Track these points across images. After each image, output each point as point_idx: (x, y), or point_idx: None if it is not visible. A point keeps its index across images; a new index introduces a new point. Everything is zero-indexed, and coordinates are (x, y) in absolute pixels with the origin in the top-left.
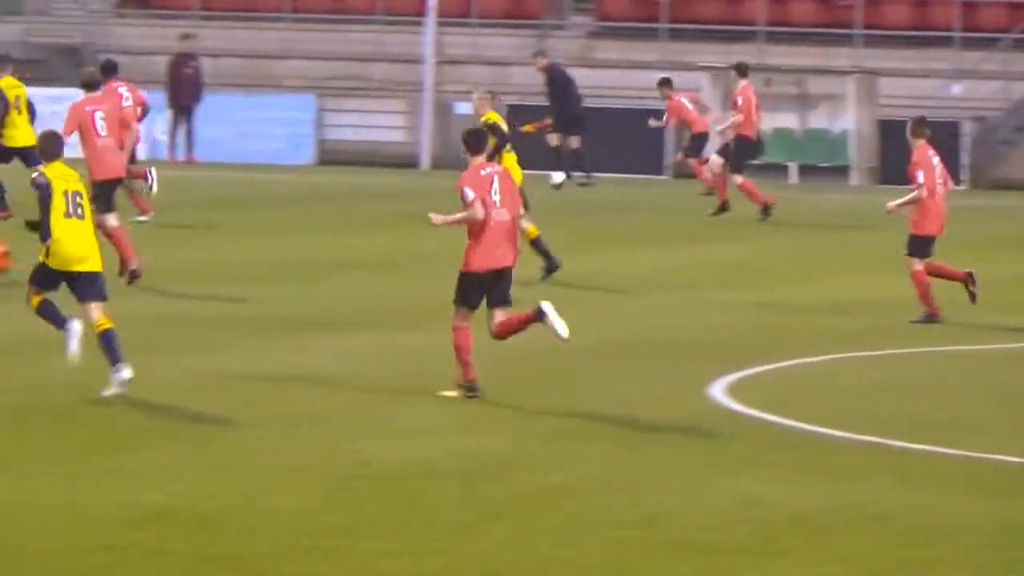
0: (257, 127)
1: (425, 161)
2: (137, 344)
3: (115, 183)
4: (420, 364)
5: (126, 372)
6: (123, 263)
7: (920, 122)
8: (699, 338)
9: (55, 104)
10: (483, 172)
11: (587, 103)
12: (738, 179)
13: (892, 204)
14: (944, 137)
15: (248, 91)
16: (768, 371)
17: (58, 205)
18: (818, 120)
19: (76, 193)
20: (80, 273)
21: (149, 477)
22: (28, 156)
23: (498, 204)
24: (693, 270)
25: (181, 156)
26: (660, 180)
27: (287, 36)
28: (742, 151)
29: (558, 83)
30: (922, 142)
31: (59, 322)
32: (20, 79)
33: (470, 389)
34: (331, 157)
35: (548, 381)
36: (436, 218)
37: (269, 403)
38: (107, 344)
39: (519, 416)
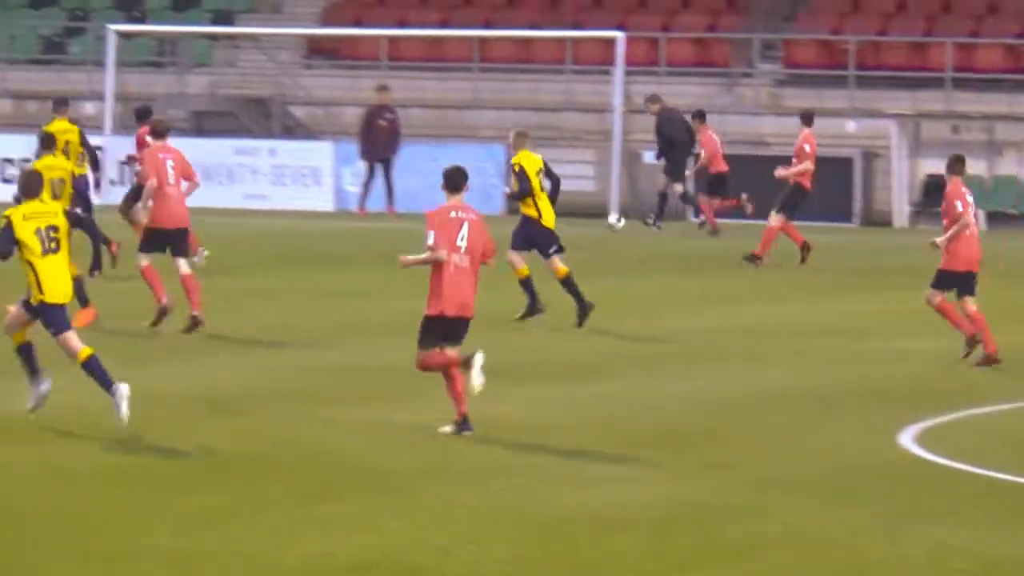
0: None
1: (615, 210)
2: (327, 396)
3: (183, 232)
4: (608, 412)
5: (124, 388)
6: (190, 308)
7: (957, 159)
8: (883, 387)
9: (242, 156)
10: (452, 215)
11: (775, 151)
12: (777, 220)
13: (939, 240)
14: None
15: (438, 141)
16: (956, 419)
17: (32, 245)
18: (1007, 167)
19: (51, 227)
20: (62, 306)
21: (343, 528)
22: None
23: (463, 250)
24: (871, 317)
25: (370, 206)
26: (848, 228)
27: (476, 86)
28: (798, 198)
29: (661, 130)
30: (957, 179)
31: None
32: (73, 121)
33: (461, 426)
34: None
35: (735, 432)
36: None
37: (465, 454)
38: (95, 369)
39: (712, 467)
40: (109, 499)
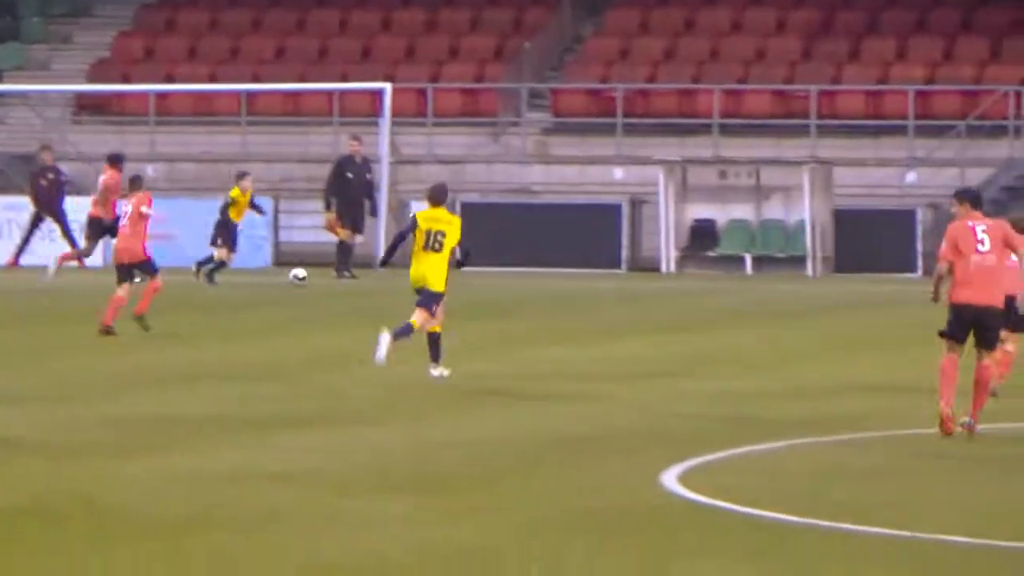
0: None
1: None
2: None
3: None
4: (377, 458)
5: None
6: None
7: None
8: (653, 428)
9: (9, 212)
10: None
11: (543, 199)
12: None
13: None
14: (899, 226)
15: (206, 195)
16: (722, 458)
17: None
18: (774, 211)
19: None
20: None
21: None
22: None
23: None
24: (649, 362)
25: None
26: (616, 274)
27: (244, 140)
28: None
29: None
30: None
31: None
32: None
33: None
34: (289, 259)
35: (505, 474)
36: None
37: (234, 501)
38: None
39: (480, 510)
40: None
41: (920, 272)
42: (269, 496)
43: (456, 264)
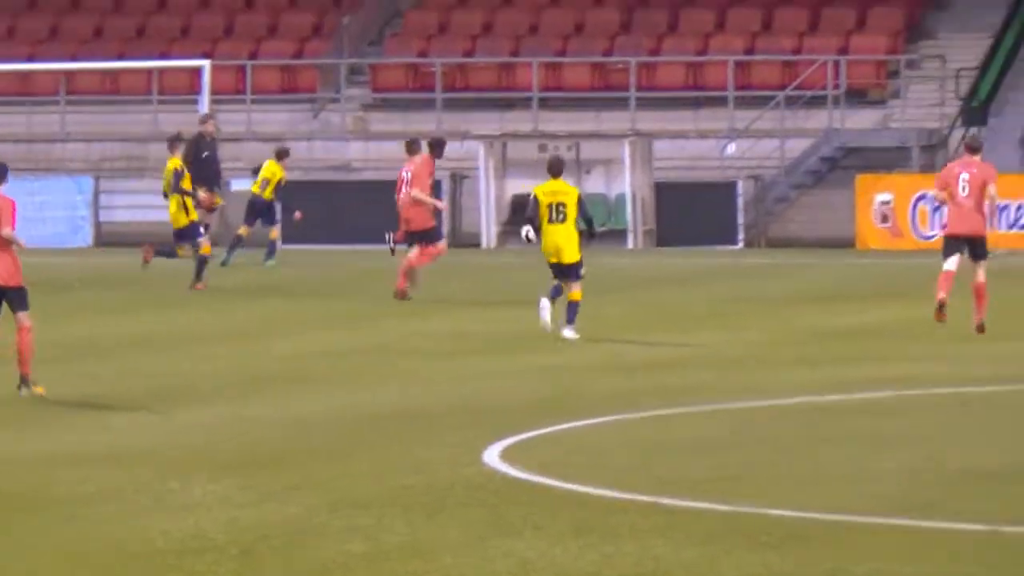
0: (37, 211)
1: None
2: None
3: None
4: (199, 438)
5: None
6: None
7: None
8: (476, 404)
9: None
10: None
11: (363, 176)
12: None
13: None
14: (720, 197)
15: (28, 175)
16: (544, 435)
17: None
18: (595, 184)
19: None
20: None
21: None
22: None
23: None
24: (470, 338)
25: None
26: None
27: (63, 119)
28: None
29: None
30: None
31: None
32: None
33: None
34: (109, 239)
35: (328, 452)
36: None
37: (60, 482)
38: None
39: (301, 488)
40: None
41: (741, 244)
42: (96, 477)
43: (588, 235)
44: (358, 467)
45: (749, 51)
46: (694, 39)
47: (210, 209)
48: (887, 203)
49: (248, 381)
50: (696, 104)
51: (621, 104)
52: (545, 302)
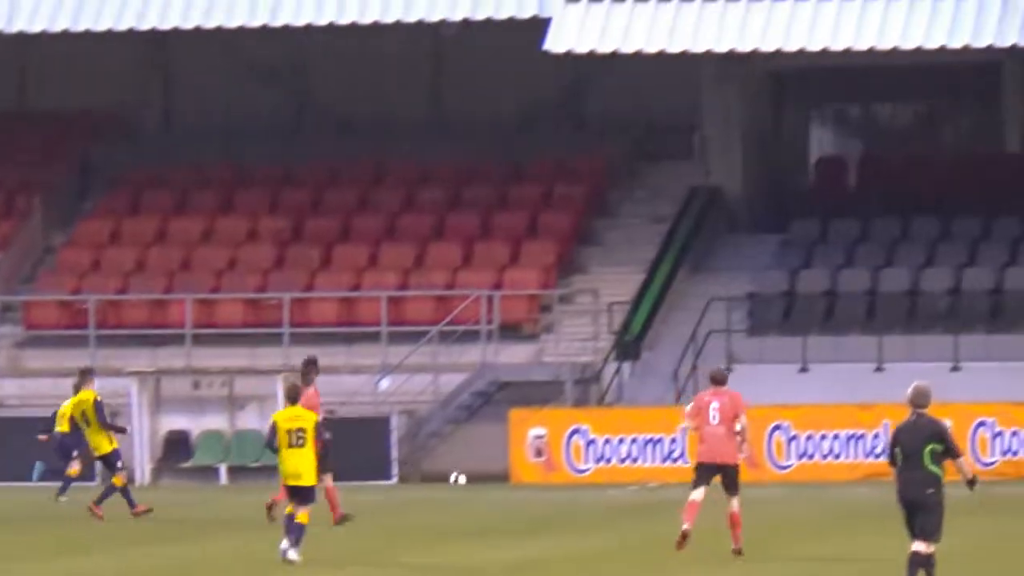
0: None
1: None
2: None
3: None
4: None
5: None
6: None
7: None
8: None
9: None
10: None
11: (17, 413)
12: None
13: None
14: (374, 432)
15: None
16: None
17: None
18: (249, 420)
19: None
20: None
21: None
22: None
23: None
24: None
25: None
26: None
27: None
28: None
29: None
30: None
31: None
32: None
33: None
34: None
35: None
36: None
37: None
38: None
39: None
40: None
41: (395, 479)
42: None
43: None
44: None
45: (402, 286)
46: (347, 274)
47: None
48: (541, 437)
49: None
50: (349, 339)
51: (274, 339)
52: (285, 544)
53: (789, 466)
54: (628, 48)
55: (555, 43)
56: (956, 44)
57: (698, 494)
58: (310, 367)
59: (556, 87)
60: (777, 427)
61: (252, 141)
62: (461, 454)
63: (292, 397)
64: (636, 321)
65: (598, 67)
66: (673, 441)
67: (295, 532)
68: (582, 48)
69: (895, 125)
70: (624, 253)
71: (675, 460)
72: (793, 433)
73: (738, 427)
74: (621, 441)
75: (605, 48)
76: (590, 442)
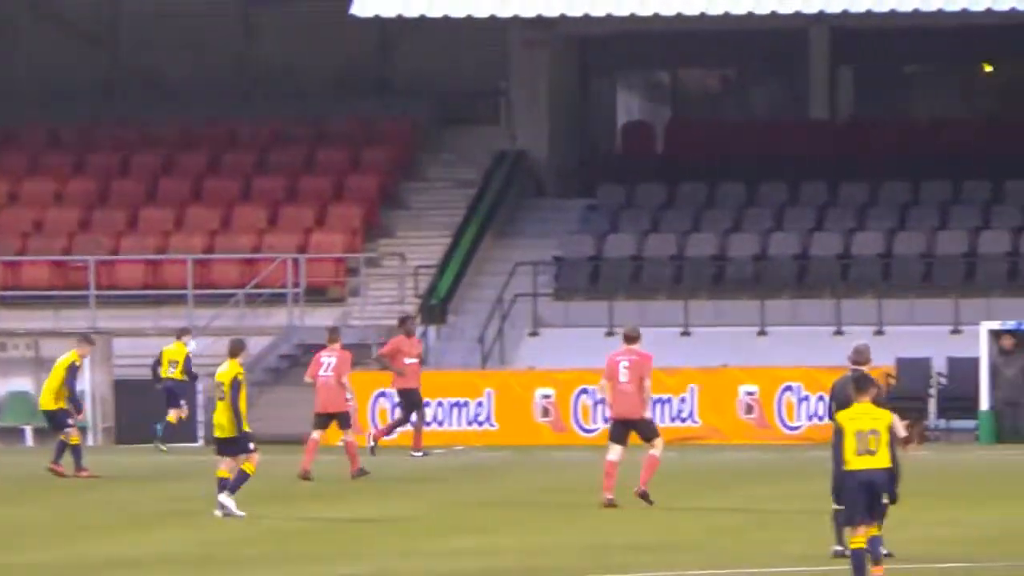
0: None
1: None
2: None
3: None
4: None
5: None
6: None
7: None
8: None
9: None
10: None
11: None
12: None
13: None
14: (180, 394)
15: None
16: None
17: None
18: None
19: None
20: None
21: None
22: None
23: None
24: None
25: None
26: None
27: None
28: None
29: None
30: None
31: None
32: None
33: None
34: None
35: None
36: None
37: None
38: None
39: None
40: None
41: (201, 441)
42: None
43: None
44: None
45: (208, 249)
46: (153, 237)
47: None
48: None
49: None
50: (156, 301)
51: (81, 302)
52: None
53: (595, 430)
54: (435, 12)
55: (362, 7)
56: (763, 10)
57: (614, 454)
58: (408, 321)
59: (364, 51)
60: (584, 391)
61: (61, 101)
62: (267, 418)
63: (233, 352)
64: (442, 285)
65: (406, 31)
66: (479, 404)
67: (237, 480)
68: (389, 12)
69: (703, 91)
70: (431, 217)
71: (481, 424)
72: (601, 397)
73: (646, 389)
74: (427, 404)
75: (412, 12)
76: (396, 405)
